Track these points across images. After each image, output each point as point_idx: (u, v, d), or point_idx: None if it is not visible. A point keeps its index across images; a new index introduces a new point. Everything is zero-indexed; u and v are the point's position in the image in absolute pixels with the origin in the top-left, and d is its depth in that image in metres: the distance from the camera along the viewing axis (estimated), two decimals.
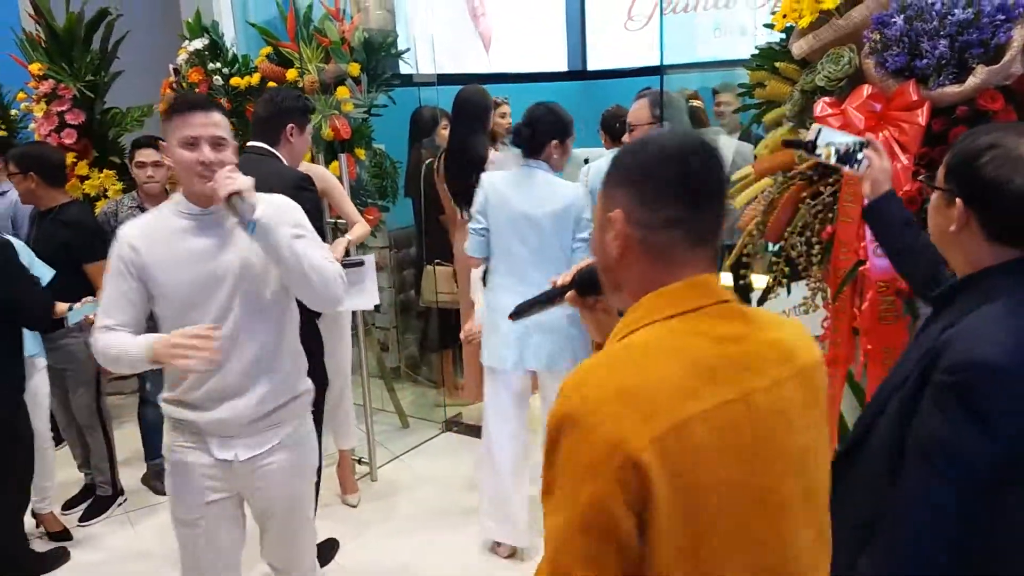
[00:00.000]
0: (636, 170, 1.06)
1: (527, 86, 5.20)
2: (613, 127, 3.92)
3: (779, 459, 1.02)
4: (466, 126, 3.84)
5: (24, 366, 2.89)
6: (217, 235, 1.98)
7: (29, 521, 3.33)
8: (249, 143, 2.82)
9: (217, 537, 2.11)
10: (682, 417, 0.94)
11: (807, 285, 2.33)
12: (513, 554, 3.15)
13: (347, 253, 3.29)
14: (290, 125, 2.81)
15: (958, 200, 1.34)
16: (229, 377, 2.00)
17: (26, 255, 3.04)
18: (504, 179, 2.91)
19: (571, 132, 2.90)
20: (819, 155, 1.94)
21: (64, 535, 3.41)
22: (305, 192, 2.66)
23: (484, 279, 3.04)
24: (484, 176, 2.99)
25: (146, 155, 3.57)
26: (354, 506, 3.58)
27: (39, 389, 3.22)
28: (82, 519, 3.56)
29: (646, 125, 2.94)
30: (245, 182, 1.89)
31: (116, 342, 1.93)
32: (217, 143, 1.93)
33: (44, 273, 3.10)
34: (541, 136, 2.85)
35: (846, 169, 1.92)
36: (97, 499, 3.64)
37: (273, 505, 2.15)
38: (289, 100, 2.85)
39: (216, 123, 1.94)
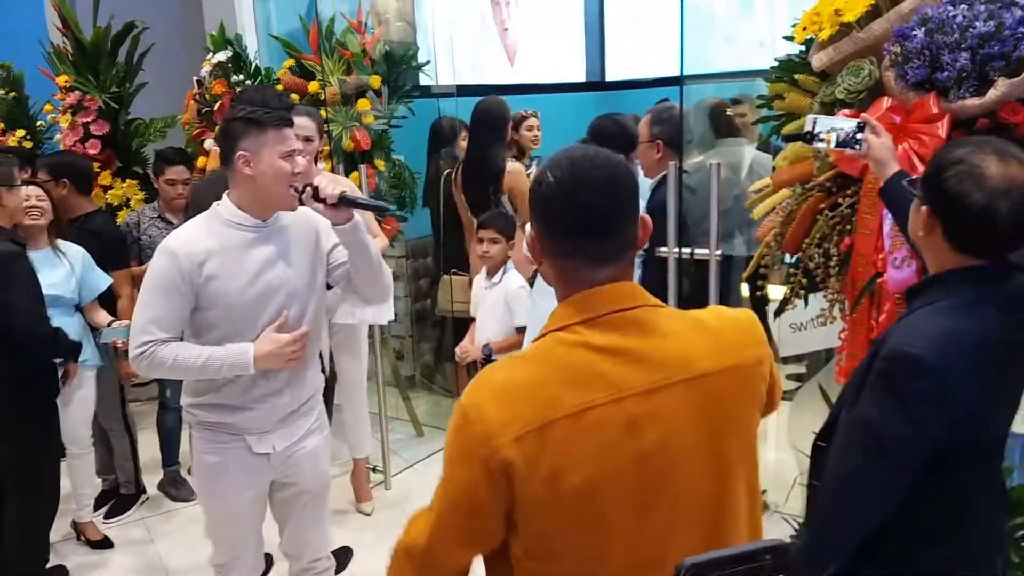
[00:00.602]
0: (538, 204, 1.19)
1: (546, 96, 5.22)
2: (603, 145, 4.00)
3: (655, 459, 1.12)
4: (484, 137, 3.87)
5: (55, 378, 2.92)
6: (276, 245, 2.07)
7: (68, 531, 3.44)
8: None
9: (252, 523, 2.26)
10: (545, 420, 1.08)
11: (824, 297, 2.32)
12: None
13: None
14: None
15: (925, 207, 1.45)
16: (278, 378, 2.10)
17: (82, 262, 3.14)
18: None
19: (636, 145, 2.94)
20: (819, 144, 2.00)
21: (104, 543, 3.44)
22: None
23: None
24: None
25: (177, 172, 3.66)
26: (368, 514, 3.59)
27: (87, 396, 3.26)
28: (107, 517, 3.62)
29: (646, 143, 2.94)
30: (344, 181, 2.02)
31: (192, 353, 1.99)
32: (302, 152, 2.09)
33: (101, 282, 3.20)
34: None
35: (848, 152, 1.98)
36: (120, 498, 3.69)
37: (307, 487, 2.26)
38: (269, 99, 2.65)
39: (299, 130, 2.19)
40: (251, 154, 1.99)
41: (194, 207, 2.64)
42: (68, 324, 3.03)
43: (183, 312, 2.01)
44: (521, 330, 3.33)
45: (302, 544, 2.36)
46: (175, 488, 3.82)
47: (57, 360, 2.92)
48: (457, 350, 3.41)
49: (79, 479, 3.35)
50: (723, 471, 1.17)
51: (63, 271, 3.08)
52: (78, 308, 3.18)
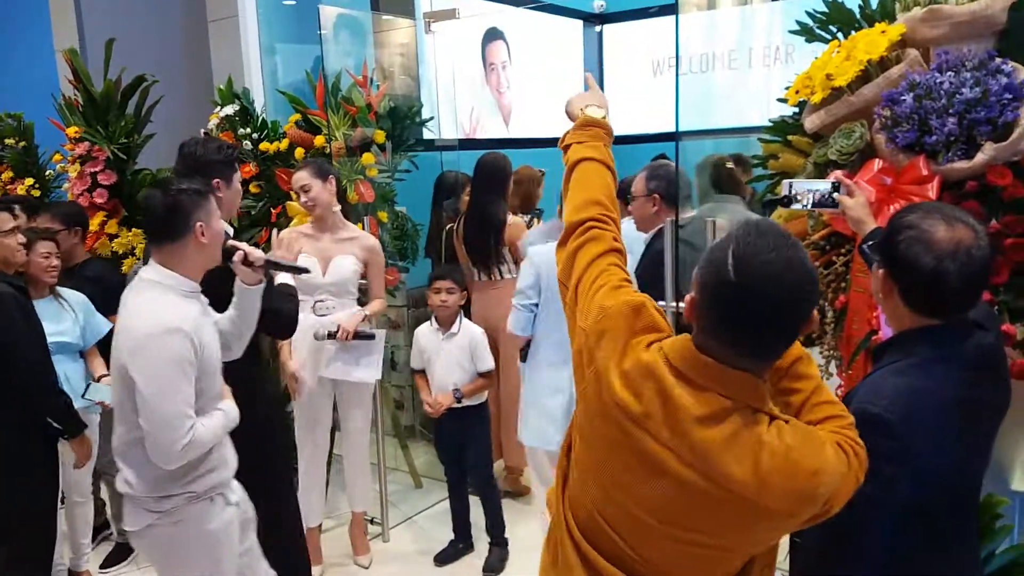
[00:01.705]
0: (710, 295, 1.26)
1: (545, 151, 5.31)
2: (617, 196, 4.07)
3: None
4: (486, 191, 3.94)
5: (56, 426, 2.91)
6: (204, 304, 2.19)
7: None
8: None
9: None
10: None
11: (820, 353, 2.35)
12: None
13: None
14: (215, 180, 2.58)
15: (881, 271, 1.51)
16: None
17: (83, 308, 3.18)
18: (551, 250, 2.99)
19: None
20: (796, 205, 2.07)
21: None
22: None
23: (523, 355, 3.06)
24: (532, 251, 2.99)
25: None
26: (366, 567, 3.56)
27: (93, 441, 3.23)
28: (102, 566, 3.59)
29: (642, 198, 2.99)
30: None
31: (212, 423, 2.10)
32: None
33: (103, 327, 3.22)
34: None
35: (826, 212, 2.06)
36: (117, 546, 3.66)
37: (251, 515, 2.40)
38: (210, 153, 2.62)
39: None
40: (205, 224, 2.10)
41: None
42: (73, 370, 3.09)
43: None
44: (487, 374, 3.40)
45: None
46: None
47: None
48: (426, 406, 3.41)
49: (78, 527, 3.34)
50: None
51: (69, 318, 3.13)
52: (81, 354, 3.22)
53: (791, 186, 2.08)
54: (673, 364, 1.26)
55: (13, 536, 2.77)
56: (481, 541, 3.62)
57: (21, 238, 2.90)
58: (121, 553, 3.65)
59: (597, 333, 1.34)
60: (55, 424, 2.76)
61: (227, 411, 2.17)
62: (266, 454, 2.68)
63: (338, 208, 3.30)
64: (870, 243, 1.71)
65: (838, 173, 2.05)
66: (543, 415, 2.96)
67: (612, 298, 1.37)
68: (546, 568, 1.52)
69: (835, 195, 1.99)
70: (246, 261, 2.20)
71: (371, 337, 3.30)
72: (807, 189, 2.04)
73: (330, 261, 3.27)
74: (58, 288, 3.17)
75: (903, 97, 2.06)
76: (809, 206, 2.05)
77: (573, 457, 1.45)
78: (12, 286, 2.72)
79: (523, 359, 3.06)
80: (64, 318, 3.11)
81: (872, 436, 1.38)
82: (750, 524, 1.27)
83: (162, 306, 2.04)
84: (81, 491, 3.28)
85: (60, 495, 3.25)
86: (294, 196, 3.40)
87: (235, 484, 2.27)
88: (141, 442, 2.04)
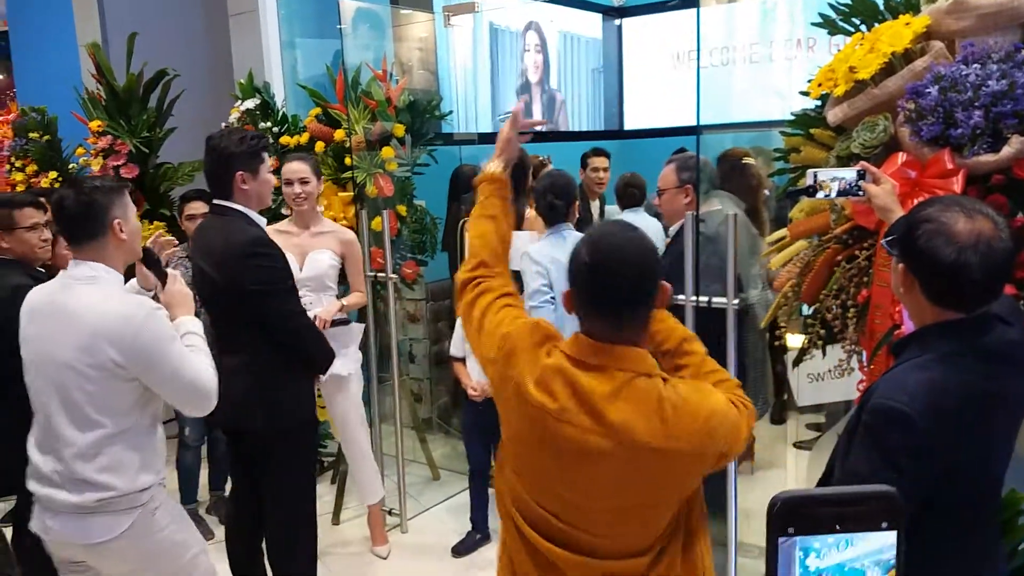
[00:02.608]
0: (577, 279, 1.50)
1: (566, 144, 5.31)
2: (624, 193, 4.11)
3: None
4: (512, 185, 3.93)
5: None
6: None
7: None
8: (214, 200, 2.67)
9: None
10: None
11: (842, 348, 2.34)
12: None
13: None
14: (239, 173, 2.56)
15: (901, 265, 1.50)
16: None
17: None
18: (549, 246, 3.04)
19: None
20: (821, 195, 2.05)
21: None
22: (256, 259, 2.56)
23: None
24: (532, 251, 3.07)
25: (196, 208, 3.72)
26: (384, 558, 3.59)
27: None
28: None
29: (673, 189, 3.01)
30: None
31: (199, 349, 2.17)
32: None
33: None
34: (569, 200, 3.13)
35: (852, 200, 2.03)
36: None
37: None
38: (232, 146, 2.57)
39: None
40: (122, 220, 2.12)
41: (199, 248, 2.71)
42: None
43: None
44: None
45: None
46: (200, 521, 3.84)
47: None
48: (470, 390, 3.48)
49: None
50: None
51: None
52: None
53: (815, 175, 2.05)
54: (572, 357, 1.46)
55: None
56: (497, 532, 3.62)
57: (47, 234, 2.93)
58: None
59: (506, 355, 1.53)
60: None
61: (192, 331, 2.19)
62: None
63: (321, 206, 3.32)
64: (887, 240, 1.69)
65: (863, 163, 2.03)
66: None
67: (511, 326, 1.57)
68: (499, 558, 1.69)
69: (861, 183, 1.97)
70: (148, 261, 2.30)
71: (346, 323, 3.33)
72: (832, 178, 2.02)
73: (307, 256, 3.30)
74: None
75: (928, 90, 2.04)
76: (834, 195, 2.03)
77: (509, 465, 1.61)
78: (35, 279, 2.74)
79: None
80: None
81: (893, 431, 1.39)
82: (669, 472, 1.45)
83: (122, 295, 2.08)
84: None
85: None
86: (281, 184, 3.28)
87: None
88: (119, 436, 2.05)
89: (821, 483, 1.64)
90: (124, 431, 2.06)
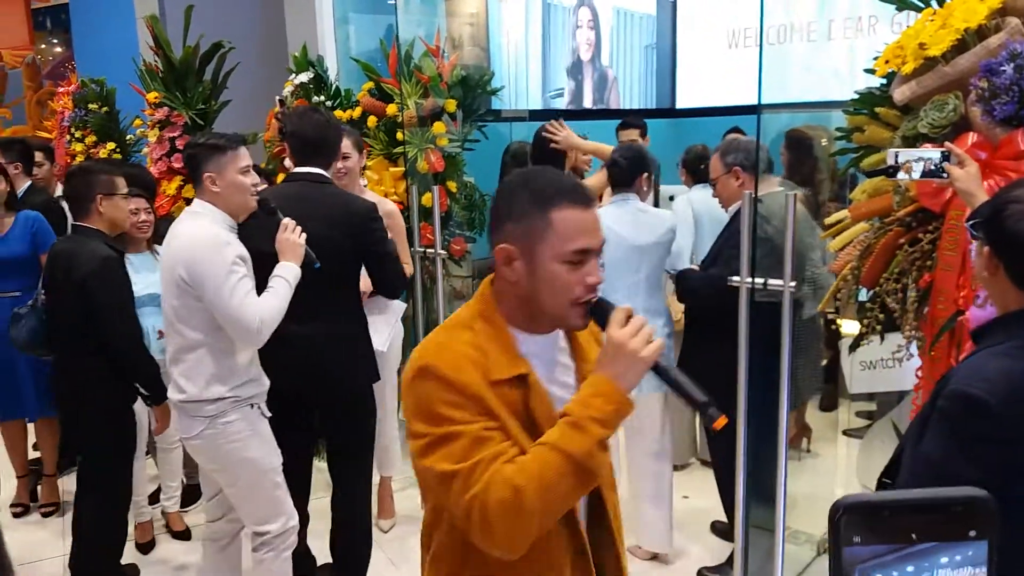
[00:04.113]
0: None
1: (615, 123, 5.25)
2: (697, 168, 3.98)
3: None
4: (543, 162, 3.91)
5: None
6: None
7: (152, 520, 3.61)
8: (297, 168, 2.71)
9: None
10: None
11: (902, 333, 2.28)
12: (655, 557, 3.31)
13: None
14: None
15: (987, 248, 1.44)
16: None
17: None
18: (606, 214, 2.99)
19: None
20: (903, 176, 1.99)
21: (185, 534, 3.59)
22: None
23: None
24: None
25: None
26: (385, 531, 3.62)
27: None
28: (183, 505, 3.73)
29: (723, 175, 2.95)
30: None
31: (278, 290, 2.39)
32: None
33: None
34: (638, 167, 3.05)
35: (935, 181, 1.97)
36: (188, 488, 3.77)
37: None
38: (334, 119, 2.89)
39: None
40: (216, 175, 2.39)
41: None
42: (160, 323, 3.20)
43: None
44: None
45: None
46: None
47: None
48: None
49: (167, 472, 3.53)
50: None
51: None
52: None
53: (897, 156, 1.99)
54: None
55: (98, 485, 2.92)
56: None
57: (132, 204, 3.01)
58: (192, 494, 3.79)
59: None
60: (142, 389, 2.87)
61: (281, 275, 2.40)
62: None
63: (364, 182, 3.30)
64: (974, 221, 1.63)
65: (949, 144, 1.96)
66: None
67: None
68: None
69: (945, 164, 1.91)
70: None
71: None
72: (915, 158, 1.96)
73: None
74: (155, 246, 3.33)
75: (1003, 68, 1.97)
76: (916, 176, 1.97)
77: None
78: (115, 251, 2.83)
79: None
80: (157, 273, 3.21)
81: (972, 418, 1.34)
82: None
83: (205, 228, 2.38)
84: (169, 439, 3.43)
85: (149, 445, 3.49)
86: None
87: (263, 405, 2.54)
88: (195, 347, 2.38)
89: (888, 471, 1.60)
90: (199, 344, 2.38)
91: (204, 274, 2.30)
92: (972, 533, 0.72)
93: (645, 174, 3.11)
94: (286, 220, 2.47)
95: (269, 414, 2.53)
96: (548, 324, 1.37)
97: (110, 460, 2.91)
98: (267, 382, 2.54)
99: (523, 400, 1.30)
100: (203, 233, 2.36)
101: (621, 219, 3.02)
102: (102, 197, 2.81)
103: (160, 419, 2.93)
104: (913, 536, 0.71)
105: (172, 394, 2.47)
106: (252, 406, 2.46)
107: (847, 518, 0.70)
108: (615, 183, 3.10)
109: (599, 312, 1.32)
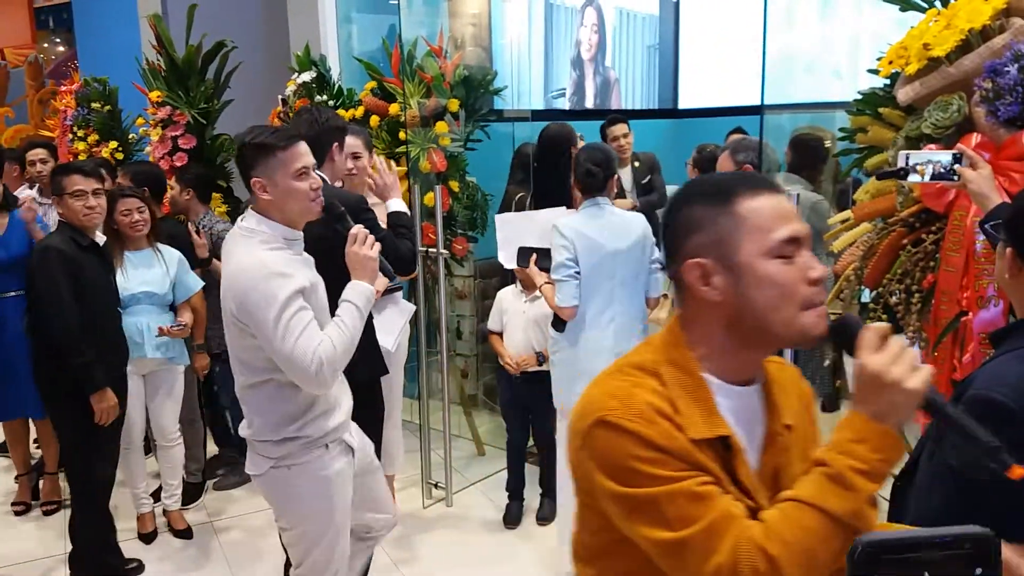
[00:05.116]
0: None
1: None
2: (710, 168, 3.96)
3: None
4: (550, 162, 3.90)
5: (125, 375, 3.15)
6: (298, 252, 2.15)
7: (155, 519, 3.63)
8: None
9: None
10: None
11: (905, 334, 2.28)
12: None
13: None
14: (335, 144, 2.74)
15: (1009, 249, 1.41)
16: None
17: (176, 264, 3.39)
18: (579, 221, 2.97)
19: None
20: (914, 178, 1.98)
21: (186, 533, 3.60)
22: (369, 212, 2.68)
23: (558, 325, 3.05)
24: (560, 223, 2.99)
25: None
26: None
27: (178, 392, 3.47)
28: (182, 504, 3.74)
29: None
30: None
31: (346, 321, 2.07)
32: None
33: (193, 284, 3.45)
34: (608, 172, 3.01)
35: (948, 184, 1.95)
36: (193, 486, 3.83)
37: (367, 453, 2.39)
38: (332, 119, 2.76)
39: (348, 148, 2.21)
40: (266, 180, 2.04)
41: None
42: (161, 322, 3.28)
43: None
44: None
45: (376, 507, 2.45)
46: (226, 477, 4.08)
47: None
48: (506, 363, 3.53)
49: (167, 470, 3.55)
50: None
51: (159, 271, 3.33)
52: (172, 308, 3.42)
53: (908, 157, 1.98)
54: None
55: (69, 476, 3.05)
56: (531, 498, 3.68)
57: (92, 201, 3.00)
58: (193, 492, 3.84)
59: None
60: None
61: (351, 300, 2.09)
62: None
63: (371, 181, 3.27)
64: (993, 222, 1.61)
65: (961, 145, 1.95)
66: (591, 378, 2.98)
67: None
68: None
69: (956, 167, 1.90)
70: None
71: (399, 289, 3.34)
72: (926, 160, 1.94)
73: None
74: (158, 244, 3.38)
75: (1007, 68, 1.97)
76: (928, 179, 1.95)
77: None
78: (76, 243, 2.93)
79: (559, 328, 3.04)
80: (155, 271, 3.33)
81: (993, 424, 1.32)
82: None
83: (255, 254, 2.03)
84: (168, 436, 3.47)
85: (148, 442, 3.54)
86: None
87: (354, 429, 2.28)
88: (258, 387, 2.09)
89: (902, 475, 1.58)
90: (259, 384, 2.09)
91: (253, 312, 1.98)
92: (979, 571, 0.77)
93: (615, 176, 3.11)
94: (355, 229, 2.12)
95: (353, 442, 2.25)
96: (772, 344, 1.14)
97: (72, 450, 3.03)
98: (345, 406, 2.23)
99: (722, 467, 1.08)
100: (251, 261, 2.01)
101: (593, 225, 2.97)
102: (56, 198, 3.01)
103: (96, 409, 2.93)
104: (926, 573, 0.77)
105: (242, 429, 2.22)
106: (327, 446, 2.15)
107: (864, 556, 0.76)
108: (589, 189, 3.06)
109: (843, 332, 1.06)
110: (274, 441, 2.11)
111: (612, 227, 2.98)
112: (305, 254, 2.15)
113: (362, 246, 2.10)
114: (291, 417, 2.09)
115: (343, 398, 2.22)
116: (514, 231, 3.43)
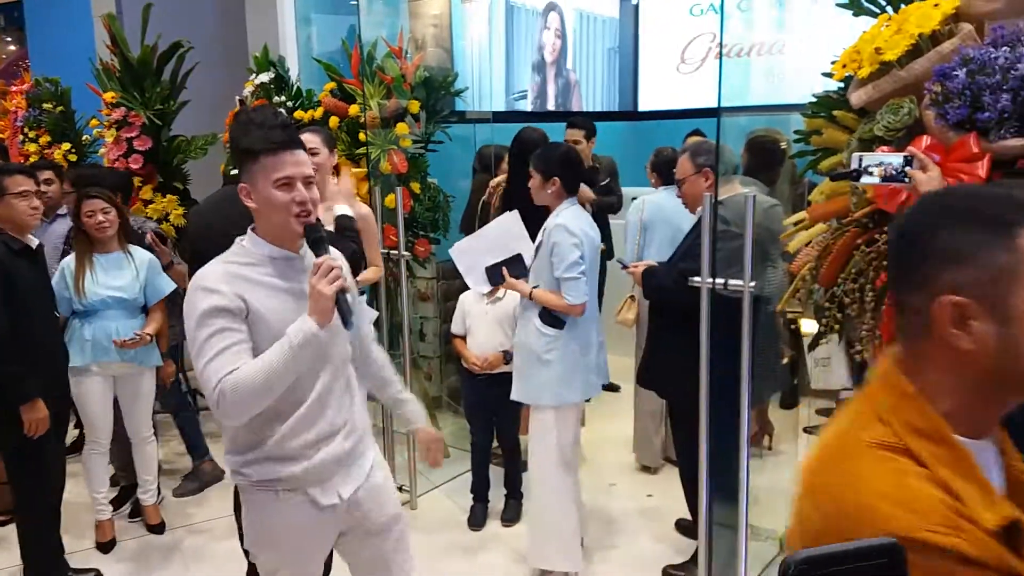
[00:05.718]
0: None
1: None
2: (667, 170, 3.98)
3: None
4: (524, 165, 3.91)
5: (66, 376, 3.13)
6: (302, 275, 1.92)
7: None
8: (233, 171, 2.45)
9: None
10: None
11: (860, 332, 2.32)
12: None
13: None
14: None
15: None
16: (324, 418, 1.92)
17: (147, 268, 3.35)
18: (580, 220, 3.04)
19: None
20: (868, 179, 2.01)
21: (159, 528, 3.63)
22: (350, 232, 2.68)
23: (556, 321, 3.05)
24: (567, 222, 2.99)
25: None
26: None
27: (150, 391, 3.48)
28: (131, 516, 3.76)
29: (692, 175, 2.98)
30: (347, 275, 1.86)
31: (259, 365, 1.76)
32: (308, 182, 1.86)
33: (165, 287, 3.42)
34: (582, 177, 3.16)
35: (899, 186, 1.99)
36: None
37: (375, 528, 2.08)
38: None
39: (306, 160, 1.88)
40: (249, 186, 1.86)
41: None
42: (126, 325, 3.26)
43: (247, 345, 1.85)
44: None
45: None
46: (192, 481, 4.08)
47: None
48: (471, 364, 3.55)
49: (142, 466, 3.56)
50: None
51: (129, 275, 3.30)
52: (144, 311, 3.39)
53: (861, 159, 2.02)
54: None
55: (20, 489, 2.98)
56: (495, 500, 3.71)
57: (36, 202, 2.94)
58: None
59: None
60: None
61: (288, 334, 1.77)
62: None
63: (335, 180, 3.18)
64: None
65: (912, 148, 2.00)
66: (590, 369, 3.09)
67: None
68: None
69: (907, 169, 1.94)
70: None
71: (361, 293, 3.30)
72: (878, 162, 1.99)
73: None
74: (130, 246, 3.35)
75: (956, 72, 2.01)
76: (880, 181, 2.00)
77: None
78: (7, 247, 2.84)
79: (558, 326, 3.04)
80: (125, 274, 3.29)
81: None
82: None
83: (212, 265, 1.88)
84: (142, 433, 3.49)
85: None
86: None
87: (344, 491, 1.97)
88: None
89: None
90: None
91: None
92: None
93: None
94: (320, 259, 1.81)
95: (325, 503, 1.93)
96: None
97: (15, 462, 2.97)
98: (320, 460, 1.91)
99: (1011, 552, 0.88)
100: (204, 271, 1.85)
101: (587, 221, 3.07)
102: None
103: (26, 420, 2.84)
104: None
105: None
106: (276, 492, 1.90)
107: (798, 573, 0.78)
108: (572, 190, 3.09)
109: None
110: (232, 457, 1.95)
111: (592, 225, 3.11)
112: (302, 283, 1.88)
113: (320, 279, 1.78)
114: (244, 445, 1.90)
115: (322, 455, 1.91)
116: (472, 256, 3.43)
